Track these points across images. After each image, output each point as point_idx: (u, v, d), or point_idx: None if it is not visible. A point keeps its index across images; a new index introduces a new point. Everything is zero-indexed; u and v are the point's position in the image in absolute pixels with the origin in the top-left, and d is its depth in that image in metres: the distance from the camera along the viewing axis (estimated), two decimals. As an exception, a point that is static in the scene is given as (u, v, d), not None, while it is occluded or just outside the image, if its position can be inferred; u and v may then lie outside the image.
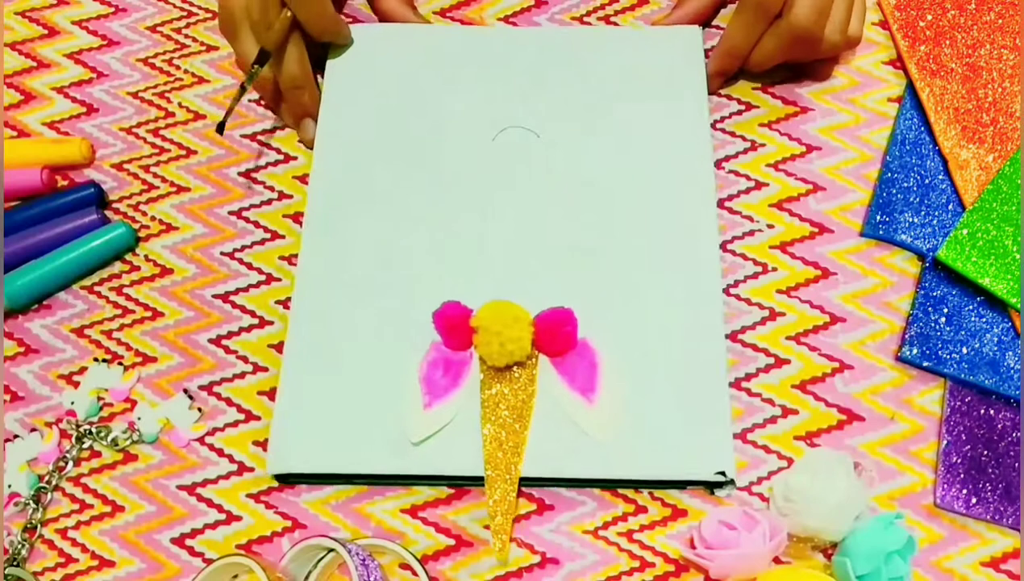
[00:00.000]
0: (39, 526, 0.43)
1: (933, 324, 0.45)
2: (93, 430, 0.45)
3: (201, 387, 0.46)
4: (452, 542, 0.42)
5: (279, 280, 0.48)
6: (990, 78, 0.50)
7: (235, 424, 0.45)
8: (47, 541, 0.43)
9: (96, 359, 0.47)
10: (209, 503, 0.43)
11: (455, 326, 0.43)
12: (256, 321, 0.47)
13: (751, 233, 0.48)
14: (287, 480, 0.43)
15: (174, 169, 0.51)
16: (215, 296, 0.48)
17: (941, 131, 0.49)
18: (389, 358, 0.43)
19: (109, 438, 0.45)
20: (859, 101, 0.51)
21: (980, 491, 0.42)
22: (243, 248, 0.49)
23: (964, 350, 0.44)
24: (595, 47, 0.51)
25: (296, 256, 0.48)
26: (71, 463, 0.45)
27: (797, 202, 0.49)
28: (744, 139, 0.50)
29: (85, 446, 0.45)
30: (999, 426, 0.43)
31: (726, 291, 0.46)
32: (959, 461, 0.43)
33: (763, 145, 0.50)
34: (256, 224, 0.49)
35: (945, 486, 0.42)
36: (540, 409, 0.42)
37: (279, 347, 0.46)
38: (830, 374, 0.45)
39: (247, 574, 0.40)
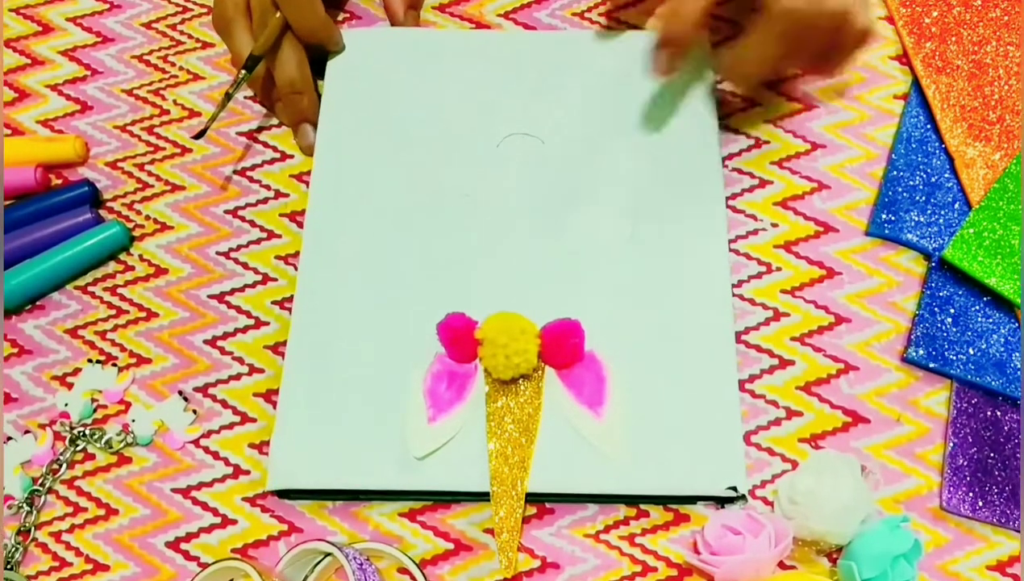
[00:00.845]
0: (33, 529, 0.43)
1: (939, 324, 0.44)
2: (87, 432, 0.44)
3: (196, 389, 0.45)
4: (451, 546, 0.42)
5: (275, 280, 0.47)
6: (996, 75, 0.50)
7: (230, 426, 0.44)
8: (41, 544, 0.43)
9: (90, 360, 0.46)
10: (204, 506, 0.43)
11: (459, 338, 0.42)
12: (252, 322, 0.47)
13: (755, 232, 0.47)
14: (288, 495, 0.43)
15: (169, 167, 0.51)
16: (210, 296, 0.47)
17: (947, 129, 0.48)
18: (392, 371, 0.43)
19: (103, 440, 0.44)
20: (864, 98, 0.50)
21: (986, 494, 0.42)
22: (239, 247, 0.48)
23: (971, 351, 0.44)
24: (599, 50, 0.50)
25: (292, 255, 0.48)
26: (65, 465, 0.44)
27: (802, 201, 0.48)
28: (748, 136, 0.50)
29: (79, 448, 0.44)
30: (1006, 428, 0.43)
31: (729, 291, 0.46)
32: (965, 464, 0.42)
33: (767, 142, 0.49)
34: (252, 223, 0.49)
35: (951, 489, 0.42)
36: (547, 423, 0.41)
37: (275, 348, 0.46)
38: (835, 375, 0.44)
39: (243, 578, 0.39)
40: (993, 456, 0.42)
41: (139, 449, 0.44)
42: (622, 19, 0.53)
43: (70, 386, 0.46)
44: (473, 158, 0.48)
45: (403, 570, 0.41)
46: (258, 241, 0.48)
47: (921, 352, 0.44)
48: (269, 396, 0.45)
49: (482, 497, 0.41)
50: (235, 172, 0.50)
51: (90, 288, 0.48)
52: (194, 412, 0.45)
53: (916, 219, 0.47)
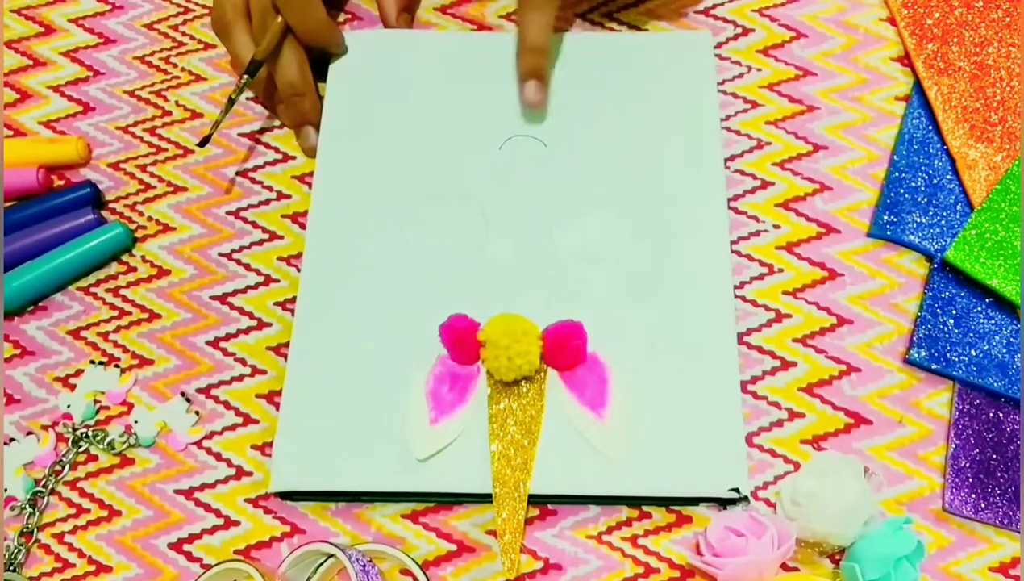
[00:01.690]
0: (35, 531, 0.43)
1: (941, 326, 0.44)
2: (89, 433, 0.44)
3: (199, 390, 0.45)
4: (454, 548, 0.42)
5: (277, 281, 0.47)
6: (998, 76, 0.50)
7: (233, 428, 0.44)
8: (43, 546, 0.43)
9: (92, 361, 0.46)
10: (207, 508, 0.43)
11: (462, 340, 0.42)
12: (255, 323, 0.47)
13: (757, 233, 0.47)
14: (290, 497, 0.43)
15: (171, 168, 0.51)
16: (213, 298, 0.47)
17: (949, 130, 0.48)
18: (395, 373, 0.43)
19: (106, 441, 0.44)
20: (866, 99, 0.50)
21: (989, 495, 0.42)
22: (241, 249, 0.48)
23: (973, 352, 0.44)
24: (602, 52, 0.50)
25: (294, 257, 0.48)
26: (67, 467, 0.44)
27: (803, 202, 0.48)
28: (750, 138, 0.50)
29: (81, 449, 0.44)
30: (1008, 429, 0.43)
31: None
32: (967, 465, 0.42)
33: (769, 144, 0.49)
34: (254, 224, 0.49)
35: (953, 490, 0.42)
36: (549, 425, 0.41)
37: (277, 349, 0.46)
38: (837, 377, 0.44)
39: (246, 580, 0.39)
40: (995, 457, 0.42)
41: (141, 450, 0.44)
42: (623, 20, 0.53)
43: (72, 387, 0.46)
44: (475, 160, 0.48)
45: (406, 571, 0.41)
46: (260, 242, 0.48)
47: (923, 353, 0.44)
48: (271, 397, 0.45)
49: (484, 499, 0.41)
50: (237, 173, 0.50)
51: (92, 289, 0.48)
52: (196, 413, 0.45)
53: (918, 220, 0.47)
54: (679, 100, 0.49)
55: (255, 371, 0.45)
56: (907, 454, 0.43)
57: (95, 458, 0.44)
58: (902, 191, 0.47)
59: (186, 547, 0.42)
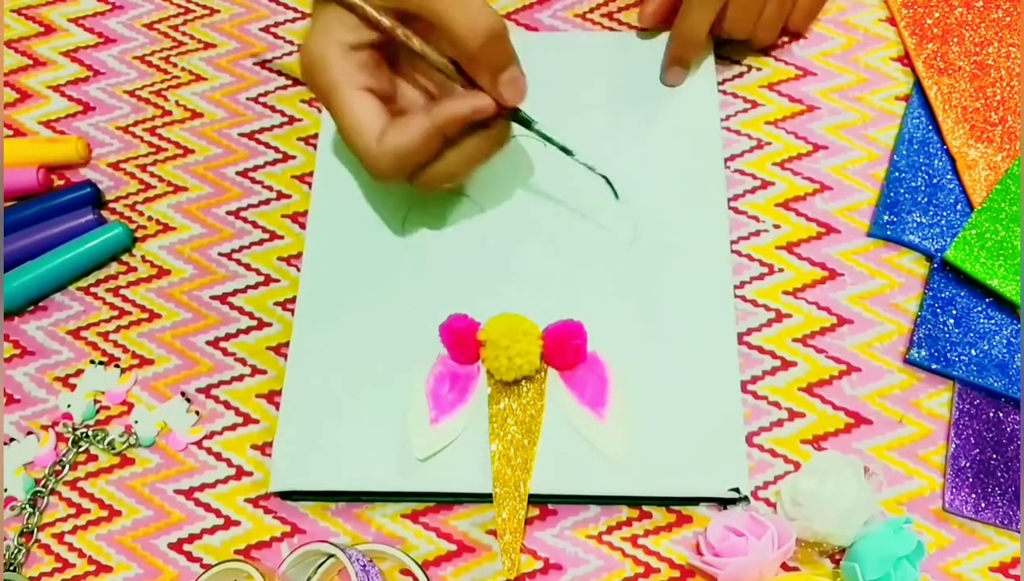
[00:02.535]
0: (35, 530, 0.43)
1: (941, 326, 0.44)
2: (90, 433, 0.44)
3: (199, 390, 0.45)
4: (454, 548, 0.42)
5: (277, 281, 0.47)
6: (998, 76, 0.50)
7: (233, 428, 0.44)
8: (43, 546, 0.43)
9: (93, 361, 0.46)
10: (207, 508, 0.43)
11: (462, 339, 0.42)
12: (255, 323, 0.47)
13: (757, 233, 0.47)
14: (290, 497, 0.43)
15: (171, 168, 0.51)
16: (213, 297, 0.47)
17: (949, 130, 0.48)
18: (395, 372, 0.43)
19: (106, 441, 0.44)
20: (866, 99, 0.50)
21: (989, 495, 0.42)
22: (241, 249, 0.48)
23: (973, 352, 0.44)
24: (602, 52, 0.50)
25: (294, 257, 0.48)
26: (68, 467, 0.44)
27: (804, 202, 0.48)
28: (750, 137, 0.50)
29: (81, 449, 0.44)
30: (1008, 429, 0.43)
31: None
32: (968, 465, 0.42)
33: (769, 143, 0.49)
34: (254, 224, 0.49)
35: (954, 490, 0.42)
36: (549, 424, 0.42)
37: (278, 349, 0.46)
38: (837, 376, 0.44)
39: (246, 580, 0.39)
40: (995, 457, 0.42)
41: (142, 450, 0.44)
42: (623, 20, 0.53)
43: (73, 387, 0.46)
44: None
45: (406, 571, 0.41)
46: (260, 242, 0.48)
47: (923, 353, 0.44)
48: (271, 397, 0.45)
49: (485, 498, 0.41)
50: (237, 173, 0.50)
51: (92, 289, 0.48)
52: (196, 413, 0.45)
53: (918, 220, 0.47)
54: (679, 100, 0.49)
55: (255, 371, 0.45)
56: (907, 454, 0.43)
57: (95, 458, 0.44)
58: (902, 191, 0.47)
59: (186, 547, 0.42)
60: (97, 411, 0.45)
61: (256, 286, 0.47)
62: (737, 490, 0.40)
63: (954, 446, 0.42)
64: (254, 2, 0.55)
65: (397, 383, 0.43)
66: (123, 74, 0.53)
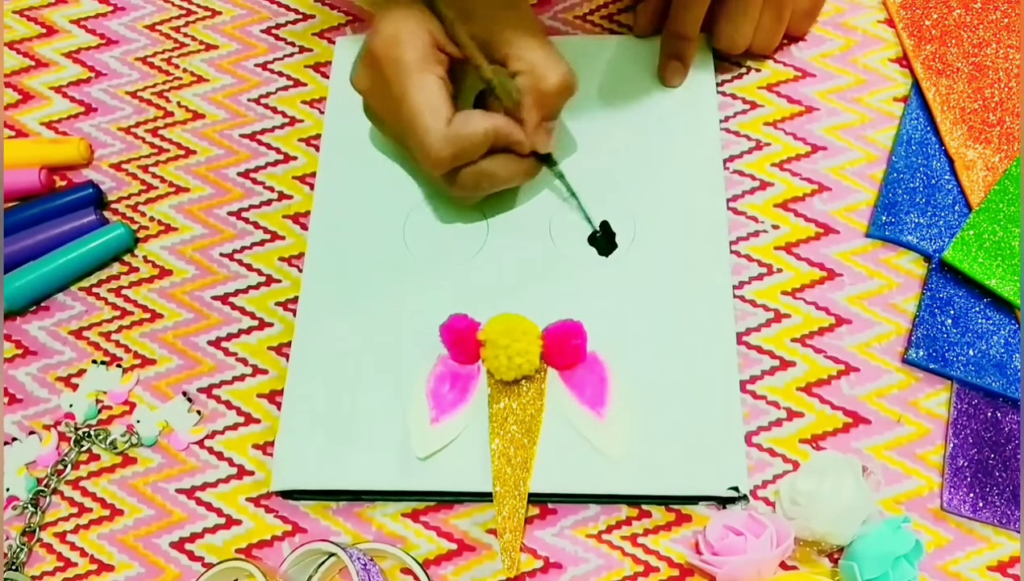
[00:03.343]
0: (38, 530, 0.43)
1: (939, 326, 0.45)
2: (92, 433, 0.44)
3: (200, 390, 0.45)
4: (454, 547, 0.42)
5: (279, 282, 0.48)
6: (996, 77, 0.50)
7: (235, 427, 0.45)
8: (46, 545, 0.43)
9: (95, 361, 0.46)
10: (209, 507, 0.43)
11: (462, 339, 0.42)
12: (256, 323, 0.47)
13: (756, 234, 0.47)
14: (292, 496, 0.43)
15: (173, 169, 0.51)
16: (214, 298, 0.47)
17: (947, 131, 0.49)
18: (395, 372, 0.43)
19: (108, 441, 0.44)
20: (865, 100, 0.50)
21: (987, 495, 0.42)
22: (243, 249, 0.49)
23: (971, 352, 0.44)
24: (601, 54, 0.51)
25: (296, 257, 0.48)
26: (70, 466, 0.44)
27: (802, 202, 0.48)
28: (749, 138, 0.50)
29: (84, 449, 0.45)
30: (1006, 429, 0.43)
31: (730, 292, 0.46)
32: (966, 464, 0.42)
33: (768, 145, 0.50)
34: (256, 225, 0.49)
35: (952, 490, 0.42)
36: (549, 423, 0.42)
37: (279, 349, 0.46)
38: (836, 376, 0.44)
39: (247, 579, 0.39)
40: (993, 457, 0.42)
41: (144, 450, 0.44)
42: (623, 23, 0.53)
43: (75, 387, 0.46)
44: None
45: (406, 570, 0.41)
46: (262, 243, 0.49)
47: (921, 353, 0.44)
48: (273, 397, 0.45)
49: (485, 497, 0.41)
50: (239, 174, 0.50)
51: (95, 289, 0.48)
52: (198, 413, 0.45)
53: (916, 221, 0.47)
54: (678, 101, 0.49)
55: (256, 371, 0.46)
56: (905, 453, 0.43)
57: (97, 457, 0.44)
58: (900, 192, 0.47)
59: (188, 546, 0.42)
60: (99, 411, 0.45)
61: (257, 286, 0.48)
62: (736, 489, 0.40)
63: (952, 445, 0.42)
64: (255, 4, 0.55)
65: (398, 383, 0.43)
66: (125, 75, 0.54)
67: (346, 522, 0.42)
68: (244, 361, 0.46)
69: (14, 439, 0.45)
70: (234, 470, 0.44)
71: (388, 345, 0.44)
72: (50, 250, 0.47)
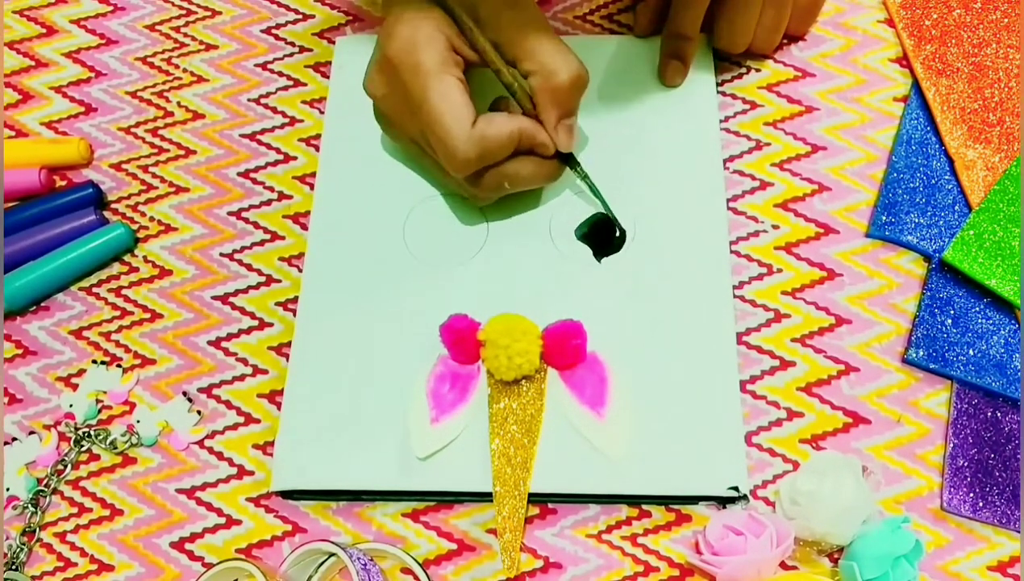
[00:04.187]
0: (38, 530, 0.43)
1: (939, 326, 0.45)
2: (92, 433, 0.44)
3: (200, 390, 0.45)
4: (454, 547, 0.42)
5: (279, 282, 0.48)
6: (996, 77, 0.50)
7: (235, 427, 0.45)
8: (46, 545, 0.43)
9: (95, 361, 0.46)
10: (209, 507, 0.43)
11: (462, 339, 0.42)
12: (256, 323, 0.47)
13: (756, 234, 0.47)
14: (292, 496, 0.43)
15: (173, 169, 0.51)
16: (214, 298, 0.47)
17: (947, 131, 0.49)
18: (395, 372, 0.43)
19: (108, 441, 0.44)
20: (865, 100, 0.51)
21: (987, 495, 0.42)
22: (243, 249, 0.49)
23: (971, 352, 0.44)
24: (601, 54, 0.51)
25: (296, 257, 0.48)
26: (70, 466, 0.44)
27: (802, 202, 0.48)
28: (749, 138, 0.50)
29: (84, 449, 0.45)
30: (1006, 429, 0.43)
31: (730, 292, 0.46)
32: (966, 464, 0.42)
33: (768, 144, 0.50)
34: (256, 225, 0.49)
35: (952, 489, 0.42)
36: (549, 423, 0.42)
37: (279, 349, 0.46)
38: (836, 376, 0.44)
39: (248, 579, 0.39)
40: (993, 457, 0.42)
41: (144, 450, 0.44)
42: (623, 23, 0.53)
43: (75, 387, 0.46)
44: None
45: (406, 570, 0.41)
46: (261, 243, 0.49)
47: (921, 353, 0.44)
48: (273, 397, 0.45)
49: (485, 497, 0.41)
50: (239, 174, 0.50)
51: (95, 289, 0.48)
52: (198, 413, 0.45)
53: (916, 221, 0.47)
54: (678, 101, 0.49)
55: (256, 371, 0.46)
56: (905, 453, 0.43)
57: (97, 457, 0.44)
58: (900, 192, 0.48)
59: (188, 546, 0.42)
60: (99, 411, 0.45)
61: (257, 286, 0.48)
62: (736, 489, 0.40)
63: (952, 445, 0.42)
64: (255, 4, 0.55)
65: (398, 383, 0.43)
66: (125, 75, 0.54)
67: (346, 522, 0.42)
68: (244, 361, 0.46)
69: (14, 439, 0.45)
70: (234, 470, 0.44)
71: (388, 345, 0.44)
72: (50, 250, 0.47)
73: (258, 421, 0.45)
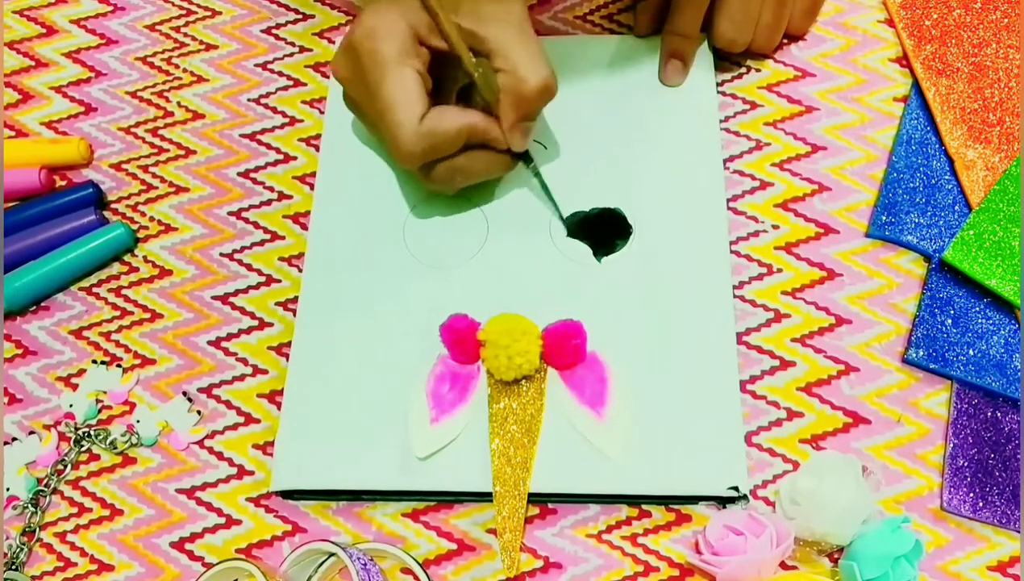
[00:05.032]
0: (38, 530, 0.43)
1: (939, 326, 0.45)
2: (92, 433, 0.44)
3: (200, 389, 0.45)
4: (454, 547, 0.42)
5: (279, 281, 0.48)
6: (996, 77, 0.50)
7: (235, 427, 0.45)
8: (46, 545, 0.43)
9: (95, 361, 0.46)
10: (209, 507, 0.43)
11: (462, 339, 0.42)
12: (256, 323, 0.47)
13: (756, 234, 0.47)
14: (291, 496, 0.43)
15: (173, 169, 0.51)
16: (214, 298, 0.47)
17: (947, 131, 0.49)
18: (395, 372, 0.43)
19: (108, 441, 0.44)
20: (865, 100, 0.51)
21: (987, 494, 0.42)
22: (242, 249, 0.49)
23: (971, 352, 0.44)
24: (600, 54, 0.51)
25: (296, 257, 0.48)
26: (70, 466, 0.44)
27: (802, 202, 0.48)
28: (749, 138, 0.50)
29: (84, 449, 0.45)
30: (1006, 429, 0.43)
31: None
32: (966, 464, 0.42)
33: (768, 144, 0.50)
34: (255, 225, 0.49)
35: (952, 489, 0.42)
36: (549, 423, 0.42)
37: (279, 349, 0.46)
38: (836, 376, 0.44)
39: (248, 579, 0.39)
40: (993, 457, 0.42)
41: (144, 450, 0.44)
42: (623, 23, 0.53)
43: (75, 387, 0.46)
44: None
45: (406, 570, 0.41)
46: (261, 243, 0.49)
47: (921, 353, 0.44)
48: (273, 397, 0.45)
49: (485, 497, 0.41)
50: (239, 174, 0.50)
51: (95, 289, 0.48)
52: (198, 413, 0.45)
53: (916, 221, 0.47)
54: (677, 100, 0.49)
55: (256, 371, 0.46)
56: (905, 453, 0.43)
57: (97, 457, 0.44)
58: (900, 192, 0.48)
59: (188, 546, 0.43)
60: (99, 411, 0.45)
61: (257, 286, 0.48)
62: (736, 489, 0.40)
63: (952, 445, 0.42)
64: (256, 4, 0.55)
65: (398, 383, 0.43)
66: (125, 75, 0.54)
67: (346, 522, 0.42)
68: (244, 361, 0.46)
69: (14, 439, 0.45)
70: (234, 470, 0.44)
71: (388, 345, 0.44)
72: (50, 250, 0.47)
73: (258, 421, 0.45)
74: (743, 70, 0.52)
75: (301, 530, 0.42)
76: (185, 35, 0.55)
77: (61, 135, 0.52)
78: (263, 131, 0.51)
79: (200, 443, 0.44)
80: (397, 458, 0.41)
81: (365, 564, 0.39)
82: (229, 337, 0.46)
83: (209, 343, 0.46)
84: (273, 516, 0.43)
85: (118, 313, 0.47)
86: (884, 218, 0.47)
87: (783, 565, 0.41)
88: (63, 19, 0.55)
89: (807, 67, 0.51)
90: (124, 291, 0.48)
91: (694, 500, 0.42)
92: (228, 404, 0.45)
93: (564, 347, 0.42)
